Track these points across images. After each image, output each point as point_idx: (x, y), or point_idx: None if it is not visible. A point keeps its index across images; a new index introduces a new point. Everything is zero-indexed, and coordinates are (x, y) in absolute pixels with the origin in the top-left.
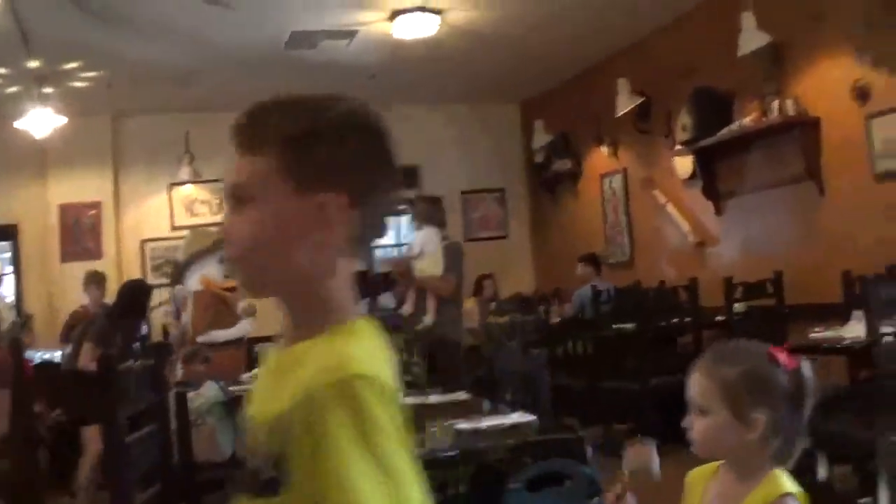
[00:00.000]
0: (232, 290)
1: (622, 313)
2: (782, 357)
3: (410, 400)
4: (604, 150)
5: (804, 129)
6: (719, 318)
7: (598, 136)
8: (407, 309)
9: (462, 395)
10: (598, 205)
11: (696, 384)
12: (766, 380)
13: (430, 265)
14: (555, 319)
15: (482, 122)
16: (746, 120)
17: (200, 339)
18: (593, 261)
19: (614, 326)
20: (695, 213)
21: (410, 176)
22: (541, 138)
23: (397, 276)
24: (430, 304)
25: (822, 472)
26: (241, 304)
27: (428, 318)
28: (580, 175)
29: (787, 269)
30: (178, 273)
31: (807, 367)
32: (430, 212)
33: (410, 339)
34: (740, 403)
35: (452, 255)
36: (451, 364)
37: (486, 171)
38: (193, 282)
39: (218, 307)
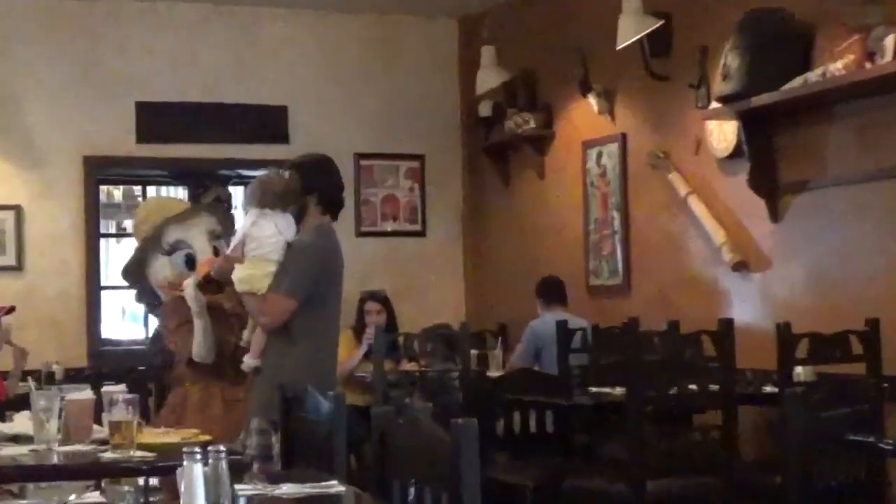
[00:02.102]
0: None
1: (606, 369)
2: None
3: (248, 490)
4: (592, 102)
5: None
6: (767, 388)
7: (584, 81)
8: (245, 338)
9: (334, 487)
10: (579, 191)
11: None
12: None
13: (257, 274)
14: (496, 372)
15: (394, 45)
16: (835, 67)
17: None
18: (553, 288)
19: (592, 390)
20: (735, 214)
21: (274, 124)
22: (490, 77)
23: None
24: (256, 339)
25: None
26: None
27: (248, 359)
28: (550, 141)
29: (886, 318)
30: (139, 268)
31: None
32: (286, 187)
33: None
34: None
35: (292, 261)
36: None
37: (396, 126)
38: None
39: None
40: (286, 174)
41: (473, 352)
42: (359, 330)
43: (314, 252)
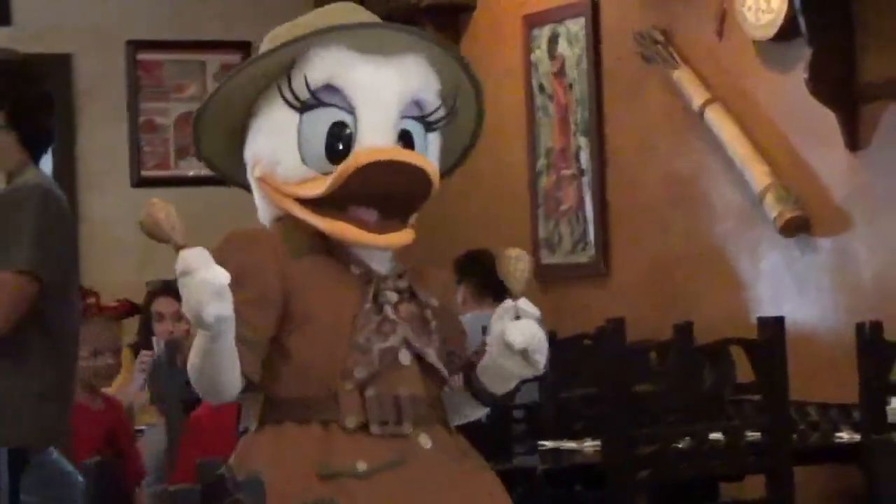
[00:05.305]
0: None
1: (571, 409)
2: None
3: None
4: None
5: None
6: (843, 435)
7: None
8: None
9: None
10: (518, 103)
11: None
12: None
13: None
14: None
15: None
16: None
17: None
18: (489, 270)
19: (545, 446)
20: (787, 137)
21: None
22: None
23: None
24: None
25: None
26: None
27: None
28: (468, 16)
29: None
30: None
31: None
32: None
33: None
34: None
35: (13, 220)
36: None
37: None
38: None
39: None
40: None
41: None
42: (144, 348)
43: (43, 207)
